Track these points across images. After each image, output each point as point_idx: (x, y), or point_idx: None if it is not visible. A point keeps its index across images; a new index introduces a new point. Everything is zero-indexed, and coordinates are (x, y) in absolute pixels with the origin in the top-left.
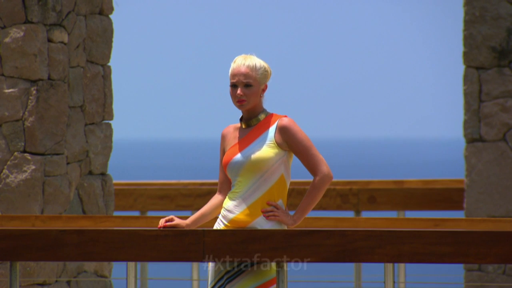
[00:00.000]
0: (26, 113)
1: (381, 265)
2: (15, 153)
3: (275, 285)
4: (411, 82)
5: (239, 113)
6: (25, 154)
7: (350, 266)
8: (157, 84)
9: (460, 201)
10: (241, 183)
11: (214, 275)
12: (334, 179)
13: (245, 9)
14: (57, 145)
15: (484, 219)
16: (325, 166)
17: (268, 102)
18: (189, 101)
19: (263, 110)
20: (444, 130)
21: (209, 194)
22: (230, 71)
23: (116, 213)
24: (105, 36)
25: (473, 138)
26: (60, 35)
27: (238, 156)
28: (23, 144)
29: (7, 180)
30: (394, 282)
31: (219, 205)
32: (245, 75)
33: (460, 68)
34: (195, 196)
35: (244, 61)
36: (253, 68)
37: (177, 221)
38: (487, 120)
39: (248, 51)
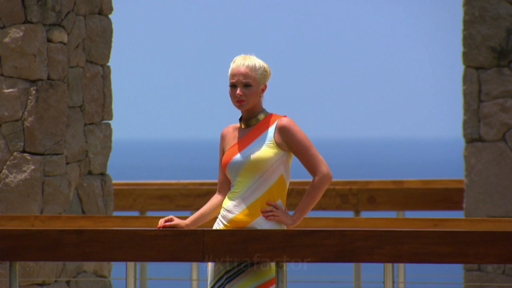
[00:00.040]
0: (26, 113)
1: (381, 265)
2: (15, 153)
3: (274, 285)
4: (411, 82)
5: (238, 113)
6: (25, 154)
7: (350, 266)
8: (156, 84)
9: (460, 201)
10: (240, 183)
11: (214, 275)
12: (334, 179)
13: (245, 9)
14: (57, 145)
15: (483, 219)
16: (324, 166)
17: (268, 102)
18: (188, 101)
19: (263, 110)
20: (443, 130)
21: (208, 194)
22: (229, 71)
23: (115, 213)
24: (105, 36)
25: (473, 138)
26: (59, 35)
27: (238, 156)
28: (22, 144)
29: (7, 180)
30: (393, 282)
31: (219, 205)
32: (245, 75)
33: (460, 68)
34: (195, 196)
35: (243, 61)
36: (253, 68)
37: (176, 221)
38: (486, 120)
39: (248, 51)
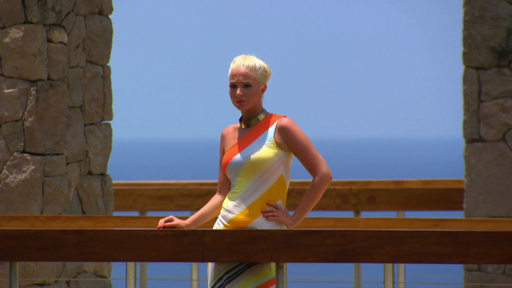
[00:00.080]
0: (26, 113)
1: (381, 265)
2: (15, 153)
3: (274, 285)
4: (411, 82)
5: (238, 113)
6: (25, 154)
7: (350, 266)
8: (156, 84)
9: (460, 201)
10: (240, 183)
11: (214, 275)
12: (334, 179)
13: (244, 9)
14: (57, 145)
15: (483, 219)
16: (324, 166)
17: (268, 102)
18: (188, 101)
19: (263, 110)
20: (443, 130)
21: (208, 194)
22: (229, 71)
23: (115, 213)
24: (105, 36)
25: (473, 138)
26: (59, 35)
27: (238, 156)
28: (22, 144)
29: (7, 180)
30: (393, 282)
31: (219, 205)
32: (245, 75)
33: (460, 68)
34: (195, 196)
35: (243, 61)
36: (253, 68)
37: (176, 221)
38: (486, 120)
39: (248, 51)
